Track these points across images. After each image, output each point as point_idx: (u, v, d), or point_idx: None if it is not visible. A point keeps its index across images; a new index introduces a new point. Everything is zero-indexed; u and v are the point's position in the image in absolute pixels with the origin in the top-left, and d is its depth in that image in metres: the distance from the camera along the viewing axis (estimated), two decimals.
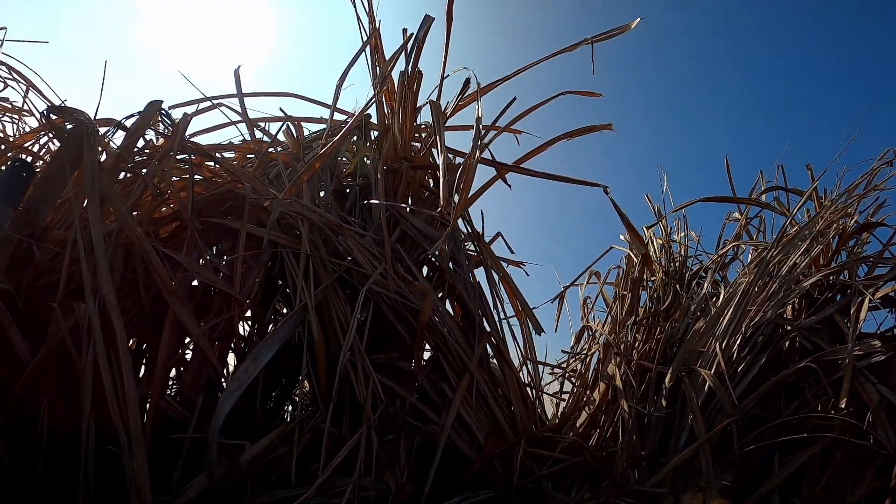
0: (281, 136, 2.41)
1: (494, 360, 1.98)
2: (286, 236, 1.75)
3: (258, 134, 2.56)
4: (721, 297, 2.01)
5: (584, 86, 2.22)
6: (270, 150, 2.16)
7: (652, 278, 2.58)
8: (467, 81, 2.22)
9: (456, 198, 2.03)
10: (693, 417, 1.73)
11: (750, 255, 2.41)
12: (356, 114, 2.32)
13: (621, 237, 2.84)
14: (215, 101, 2.29)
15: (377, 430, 1.56)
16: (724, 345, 1.76)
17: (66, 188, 1.57)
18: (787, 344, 1.70)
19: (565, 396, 2.36)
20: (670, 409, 1.85)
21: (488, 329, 1.94)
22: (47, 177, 1.54)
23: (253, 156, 2.22)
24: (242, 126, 2.40)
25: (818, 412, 1.58)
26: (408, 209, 2.17)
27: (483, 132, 2.23)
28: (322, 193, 2.21)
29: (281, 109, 2.75)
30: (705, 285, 2.22)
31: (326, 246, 1.83)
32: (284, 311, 1.92)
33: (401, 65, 2.30)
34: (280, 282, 1.85)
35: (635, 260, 2.25)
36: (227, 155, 2.23)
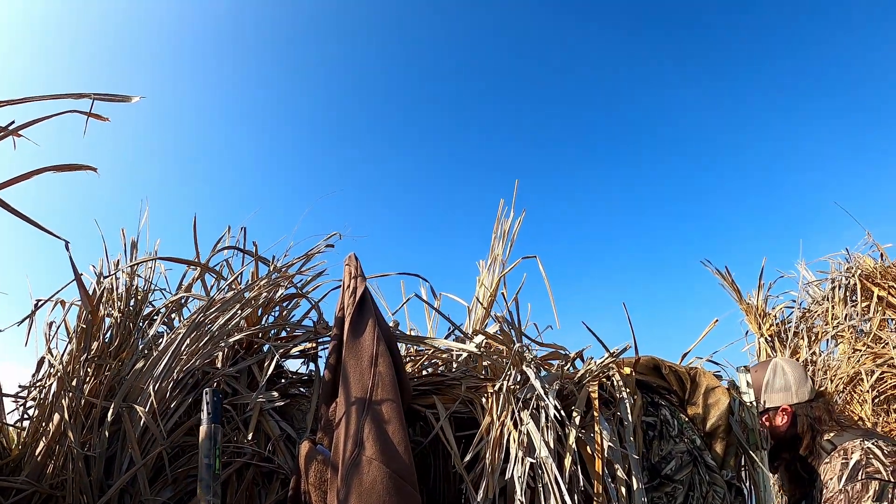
0: None
1: None
2: None
3: None
4: (164, 342, 2.06)
5: None
6: None
7: (113, 313, 2.40)
8: None
9: None
10: (131, 447, 1.82)
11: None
12: None
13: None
14: None
15: None
16: (157, 386, 1.90)
17: None
18: (216, 387, 1.93)
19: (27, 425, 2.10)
20: (113, 440, 1.87)
21: None
22: None
23: None
24: None
25: (234, 442, 1.85)
26: None
27: None
28: None
29: None
30: (154, 327, 2.27)
31: None
32: None
33: None
34: None
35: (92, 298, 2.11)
36: None
